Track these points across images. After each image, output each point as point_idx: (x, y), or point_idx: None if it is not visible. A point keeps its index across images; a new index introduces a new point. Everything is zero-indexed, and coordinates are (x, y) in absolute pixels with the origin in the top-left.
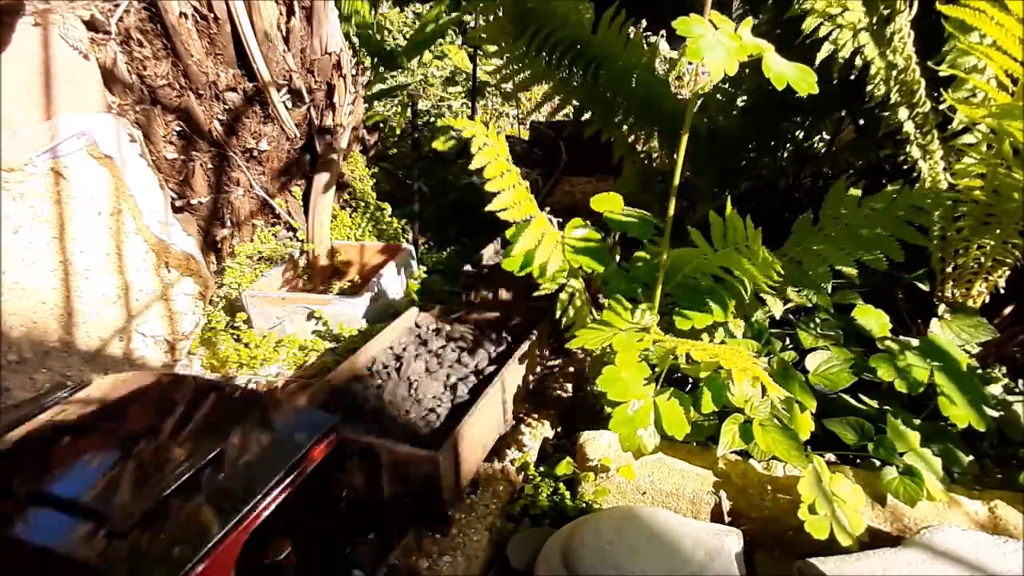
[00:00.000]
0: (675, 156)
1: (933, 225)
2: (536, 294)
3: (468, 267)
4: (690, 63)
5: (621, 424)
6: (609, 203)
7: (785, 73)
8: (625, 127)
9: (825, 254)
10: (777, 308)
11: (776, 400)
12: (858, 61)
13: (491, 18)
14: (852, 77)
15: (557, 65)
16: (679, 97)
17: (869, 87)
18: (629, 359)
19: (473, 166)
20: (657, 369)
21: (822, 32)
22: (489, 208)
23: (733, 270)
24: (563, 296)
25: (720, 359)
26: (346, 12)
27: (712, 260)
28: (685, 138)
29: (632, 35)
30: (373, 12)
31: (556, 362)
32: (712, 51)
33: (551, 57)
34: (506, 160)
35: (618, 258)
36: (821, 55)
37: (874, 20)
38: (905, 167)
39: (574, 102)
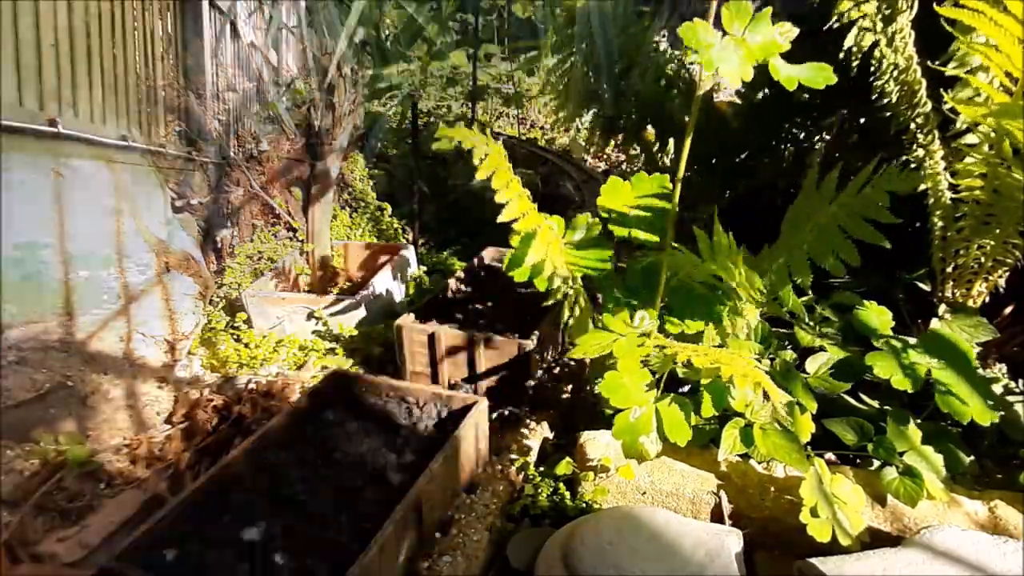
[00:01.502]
0: (678, 157)
1: (934, 226)
2: (545, 304)
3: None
4: (691, 63)
5: (624, 431)
6: (618, 198)
7: (795, 74)
8: (635, 128)
9: (785, 264)
10: (752, 316)
11: (779, 405)
12: (877, 53)
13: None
14: (855, 75)
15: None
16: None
17: (879, 83)
18: (630, 365)
19: (479, 176)
20: (657, 374)
21: (851, 16)
22: (501, 219)
23: (724, 279)
24: (566, 302)
25: (721, 365)
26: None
27: (703, 267)
28: (688, 139)
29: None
30: (379, 11)
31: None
32: (726, 60)
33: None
34: (508, 169)
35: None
36: (848, 41)
37: (878, 18)
38: (909, 167)
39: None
